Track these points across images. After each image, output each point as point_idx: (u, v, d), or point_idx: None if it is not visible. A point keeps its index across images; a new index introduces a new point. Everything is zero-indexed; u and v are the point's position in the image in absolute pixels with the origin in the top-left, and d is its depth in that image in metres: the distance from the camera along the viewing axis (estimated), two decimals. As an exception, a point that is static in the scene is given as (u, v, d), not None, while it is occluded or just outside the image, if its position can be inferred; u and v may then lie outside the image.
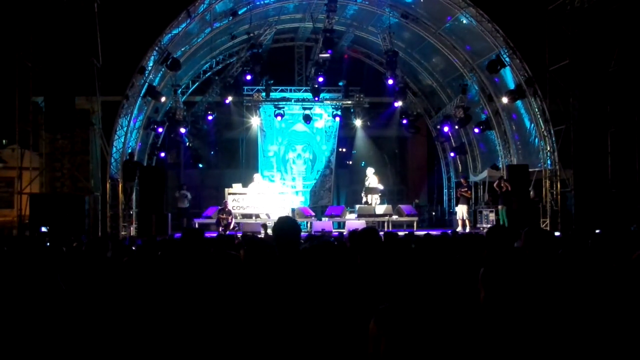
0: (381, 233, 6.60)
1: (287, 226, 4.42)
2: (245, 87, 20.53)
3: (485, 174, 20.74)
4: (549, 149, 18.04)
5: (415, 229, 18.36)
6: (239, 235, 13.14)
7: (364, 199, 20.50)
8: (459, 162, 22.63)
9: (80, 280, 4.72)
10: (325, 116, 22.41)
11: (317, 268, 4.06)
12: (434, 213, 23.44)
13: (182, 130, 19.98)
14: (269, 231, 14.16)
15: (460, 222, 19.16)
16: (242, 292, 3.83)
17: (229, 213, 18.62)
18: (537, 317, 2.75)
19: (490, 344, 2.64)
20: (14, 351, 3.00)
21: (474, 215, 20.62)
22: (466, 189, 19.77)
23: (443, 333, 2.32)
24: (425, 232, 11.91)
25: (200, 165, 22.57)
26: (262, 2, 18.36)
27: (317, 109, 21.97)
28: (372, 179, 20.50)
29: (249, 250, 5.76)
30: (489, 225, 18.18)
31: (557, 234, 14.99)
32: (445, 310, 3.26)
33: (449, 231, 15.01)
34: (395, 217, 19.79)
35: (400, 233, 12.50)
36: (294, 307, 3.48)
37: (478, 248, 5.76)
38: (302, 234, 14.20)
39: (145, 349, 3.43)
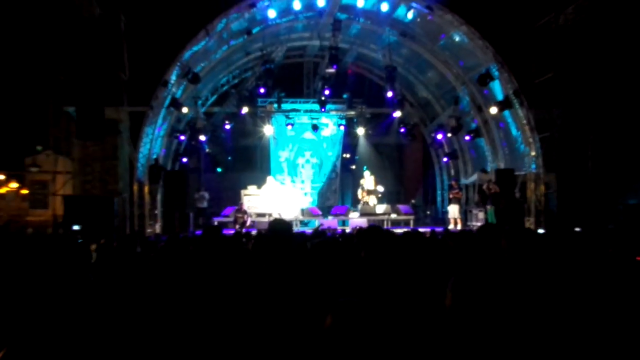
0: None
1: (278, 226, 4.70)
2: (259, 99, 20.45)
3: (475, 177, 20.69)
4: (533, 154, 17.89)
5: (411, 226, 18.50)
6: (253, 232, 13.23)
7: (361, 198, 20.59)
8: (451, 167, 22.55)
9: (112, 273, 4.84)
10: (331, 125, 22.58)
11: (323, 261, 4.06)
12: (428, 212, 23.30)
13: (202, 138, 20.04)
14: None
15: (452, 221, 19.09)
16: (249, 279, 3.96)
17: (245, 212, 18.62)
18: (510, 322, 2.60)
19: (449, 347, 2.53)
20: (48, 341, 2.82)
21: (465, 214, 20.49)
22: (457, 191, 19.67)
23: (397, 331, 2.36)
24: (413, 229, 11.80)
25: (219, 170, 22.72)
26: (274, 22, 18.14)
27: (323, 119, 22.07)
28: (368, 180, 20.55)
29: (256, 245, 6.08)
30: (478, 224, 18.26)
31: (540, 231, 14.96)
32: (411, 309, 3.31)
33: (439, 228, 15.04)
34: (393, 215, 19.76)
35: (399, 230, 12.33)
36: (294, 293, 3.54)
37: (468, 244, 5.86)
38: (309, 231, 14.23)
39: (171, 334, 3.34)
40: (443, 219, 21.10)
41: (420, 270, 4.19)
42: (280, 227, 4.65)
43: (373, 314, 2.19)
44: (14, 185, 28.21)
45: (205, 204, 19.83)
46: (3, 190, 28.41)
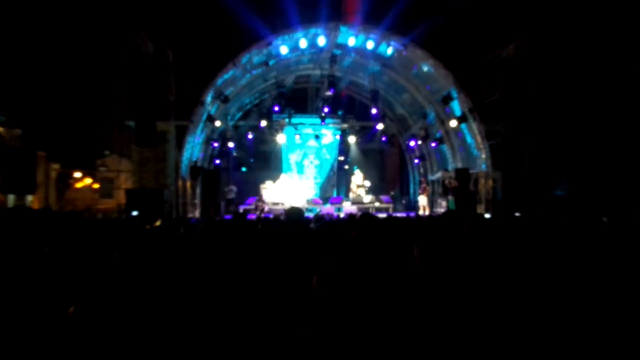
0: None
1: (292, 215, 4.95)
2: (274, 115, 20.38)
3: (439, 174, 20.68)
4: (483, 157, 17.91)
5: (390, 212, 18.52)
6: (271, 216, 13.12)
7: (351, 190, 20.74)
8: (421, 166, 22.53)
9: (161, 248, 4.64)
10: (329, 135, 22.52)
11: (324, 238, 4.21)
12: (403, 201, 23.26)
13: (231, 144, 20.09)
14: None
15: (422, 208, 19.26)
16: (265, 251, 3.96)
17: (263, 201, 18.77)
18: (459, 282, 2.66)
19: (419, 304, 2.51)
20: (112, 300, 2.61)
21: (431, 203, 20.52)
22: (425, 186, 19.87)
23: (369, 290, 2.26)
24: (390, 215, 11.88)
25: (243, 169, 22.82)
26: (285, 57, 18.08)
27: (323, 130, 22.01)
28: (358, 177, 20.75)
29: (264, 226, 6.08)
30: (442, 210, 18.41)
31: (487, 216, 14.92)
32: (383, 272, 3.17)
33: (411, 214, 15.06)
34: (377, 204, 19.87)
35: (381, 215, 12.37)
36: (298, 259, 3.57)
37: (434, 225, 5.93)
38: (312, 216, 14.29)
39: (211, 296, 3.22)
40: (414, 207, 21.14)
41: (397, 244, 4.18)
42: (293, 215, 4.79)
43: (349, 275, 2.19)
44: (87, 180, 28.19)
45: (233, 195, 19.87)
46: (79, 184, 28.46)
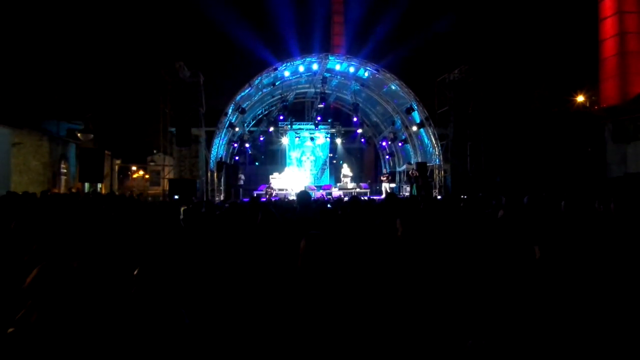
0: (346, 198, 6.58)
1: (303, 195, 4.74)
2: (280, 122, 20.41)
3: (404, 167, 20.77)
4: (437, 153, 18.10)
5: (368, 195, 18.57)
6: (277, 199, 13.52)
7: (342, 179, 20.69)
8: (390, 161, 22.60)
9: (193, 222, 4.64)
10: (321, 137, 22.21)
11: (321, 215, 4.25)
12: (378, 187, 23.28)
13: (247, 145, 20.13)
14: (292, 197, 14.41)
15: (384, 191, 19.21)
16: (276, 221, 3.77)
17: (272, 188, 18.69)
18: (431, 245, 2.63)
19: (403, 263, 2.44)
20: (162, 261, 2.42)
21: (398, 188, 20.59)
22: (388, 176, 19.89)
23: (347, 251, 2.14)
24: (370, 197, 12.12)
25: (257, 163, 22.90)
26: (288, 78, 18.26)
27: (317, 134, 21.78)
28: (345, 169, 20.66)
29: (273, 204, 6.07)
30: (406, 194, 18.58)
31: (439, 197, 15.27)
32: (364, 238, 3.09)
33: (380, 197, 15.02)
34: (358, 190, 19.89)
35: (364, 198, 12.68)
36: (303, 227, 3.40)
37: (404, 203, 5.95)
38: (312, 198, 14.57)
39: (233, 259, 3.20)
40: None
41: (377, 217, 4.17)
42: (303, 197, 4.78)
43: (330, 241, 2.05)
44: (141, 172, 28.66)
45: (241, 182, 19.47)
46: (135, 175, 28.90)
